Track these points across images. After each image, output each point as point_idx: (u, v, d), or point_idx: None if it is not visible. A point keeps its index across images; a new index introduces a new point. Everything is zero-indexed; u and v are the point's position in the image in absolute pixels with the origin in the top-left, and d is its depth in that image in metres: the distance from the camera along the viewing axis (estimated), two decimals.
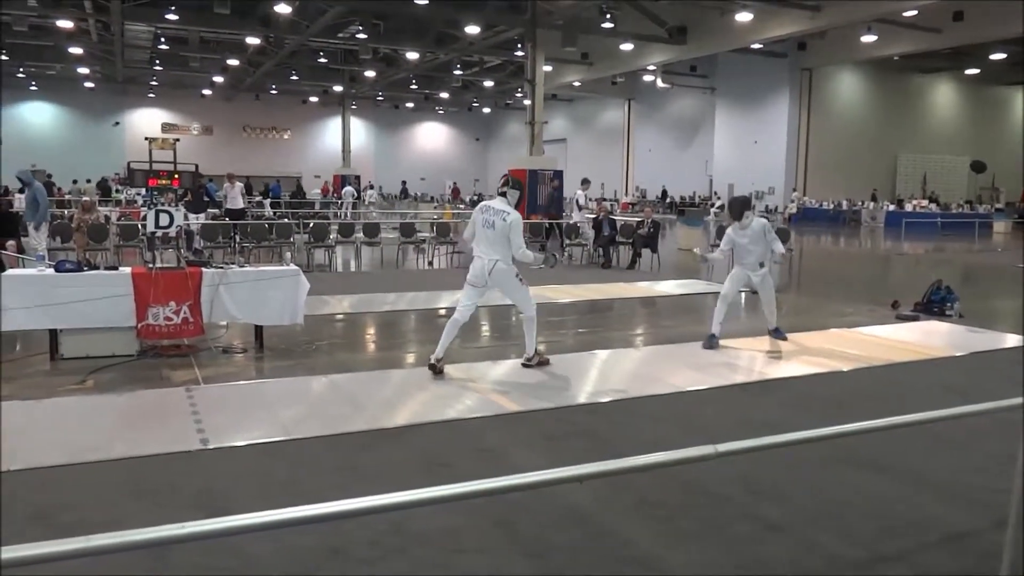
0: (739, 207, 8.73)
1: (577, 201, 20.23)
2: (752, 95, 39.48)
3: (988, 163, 40.59)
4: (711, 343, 8.52)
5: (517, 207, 7.23)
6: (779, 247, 8.76)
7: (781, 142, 38.85)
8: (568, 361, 7.81)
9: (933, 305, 10.89)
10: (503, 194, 7.27)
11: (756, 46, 32.73)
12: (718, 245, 16.78)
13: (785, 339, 8.92)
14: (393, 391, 6.81)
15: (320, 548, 3.71)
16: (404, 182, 54.15)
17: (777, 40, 31.22)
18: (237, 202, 19.66)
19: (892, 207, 36.57)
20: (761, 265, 8.69)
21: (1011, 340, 9.33)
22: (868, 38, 29.59)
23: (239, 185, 20.27)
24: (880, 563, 3.76)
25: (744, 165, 39.82)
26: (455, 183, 53.38)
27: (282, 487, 4.57)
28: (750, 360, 8.12)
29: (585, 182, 20.22)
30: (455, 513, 4.00)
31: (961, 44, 30.79)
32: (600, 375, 7.50)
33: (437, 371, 7.11)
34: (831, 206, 37.63)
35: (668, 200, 45.27)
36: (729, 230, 8.85)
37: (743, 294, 10.58)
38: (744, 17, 26.83)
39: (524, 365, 7.53)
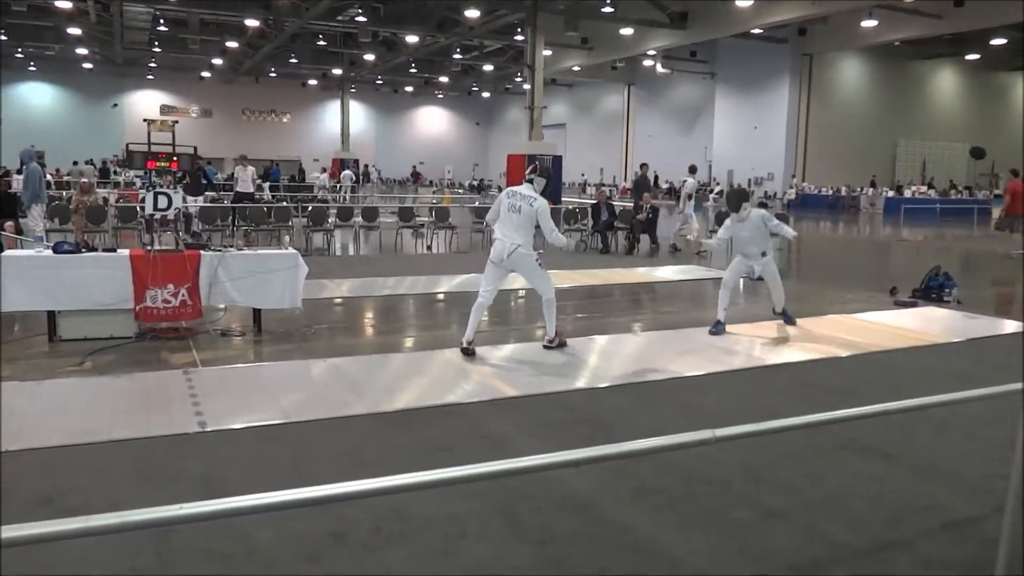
0: (736, 199, 8.72)
1: (686, 191, 17.49)
2: (752, 81, 39.35)
3: (988, 149, 40.53)
4: (717, 329, 8.56)
5: (543, 194, 7.37)
6: (788, 232, 8.76)
7: (781, 128, 38.76)
8: (567, 346, 7.80)
9: (931, 291, 10.89)
10: (530, 181, 7.40)
11: (757, 31, 32.61)
12: (717, 231, 16.90)
13: (794, 323, 8.94)
14: (393, 375, 6.81)
15: (322, 533, 3.71)
16: (367, 165, 52.86)
17: (778, 25, 31.10)
18: (247, 186, 19.49)
19: (891, 193, 36.54)
20: (763, 254, 8.68)
21: (1009, 326, 9.33)
22: (869, 23, 29.50)
23: (251, 169, 20.07)
24: (881, 550, 3.76)
25: (744, 151, 39.75)
26: (416, 166, 52.94)
27: (282, 471, 4.57)
28: (749, 346, 8.11)
29: (692, 169, 18.24)
30: (456, 500, 4.00)
31: (962, 30, 30.65)
32: (599, 361, 7.49)
33: (469, 353, 7.29)
34: (830, 192, 37.60)
35: (668, 186, 45.06)
36: (728, 221, 8.85)
37: (741, 280, 10.56)
38: (745, 2, 26.73)
39: (545, 347, 7.68)
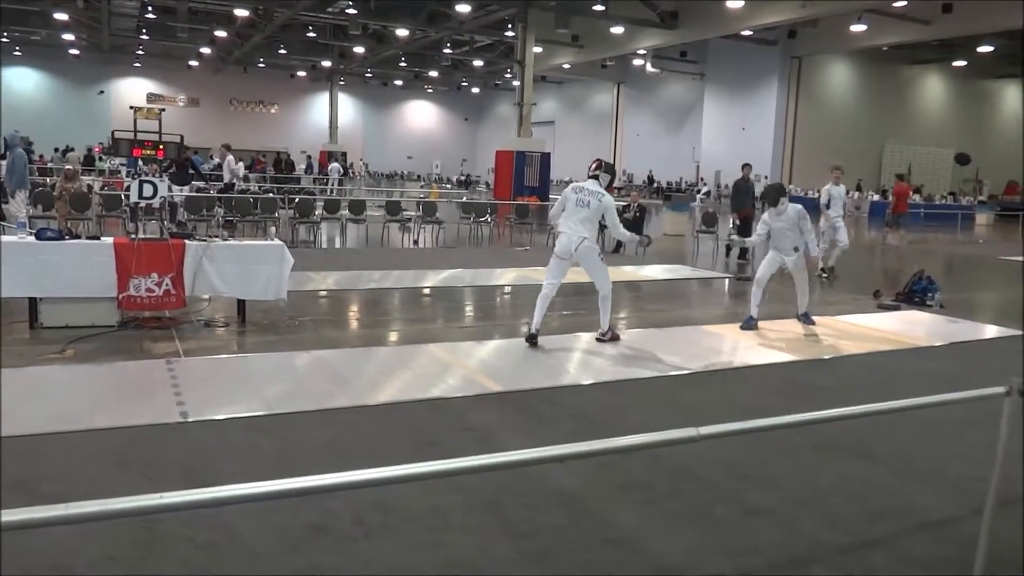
0: (774, 194, 8.90)
1: (826, 199, 14.46)
2: (741, 82, 39.45)
3: (973, 156, 40.79)
4: (749, 324, 8.77)
5: (607, 189, 7.72)
6: (813, 247, 8.86)
7: (769, 130, 38.89)
8: (553, 343, 7.80)
9: (914, 295, 10.97)
10: (595, 177, 7.66)
11: (747, 33, 32.73)
12: (704, 231, 16.98)
13: (813, 324, 9.07)
14: (377, 368, 6.79)
15: (305, 525, 3.69)
16: (309, 156, 47.50)
17: (768, 27, 31.24)
18: (225, 175, 18.98)
19: (877, 197, 36.72)
20: (795, 249, 8.83)
21: (990, 330, 9.45)
22: (858, 28, 29.66)
23: (229, 158, 19.57)
24: (863, 548, 3.79)
25: (732, 152, 39.74)
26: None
27: (264, 462, 4.54)
28: (734, 346, 8.14)
29: (836, 169, 14.81)
30: (440, 493, 4.00)
31: (950, 36, 30.88)
32: (584, 357, 7.48)
33: (534, 343, 7.55)
34: (816, 194, 37.71)
35: (655, 185, 45.25)
36: (765, 215, 9.00)
37: (726, 281, 10.61)
38: (735, 3, 26.79)
39: (598, 339, 7.89)
